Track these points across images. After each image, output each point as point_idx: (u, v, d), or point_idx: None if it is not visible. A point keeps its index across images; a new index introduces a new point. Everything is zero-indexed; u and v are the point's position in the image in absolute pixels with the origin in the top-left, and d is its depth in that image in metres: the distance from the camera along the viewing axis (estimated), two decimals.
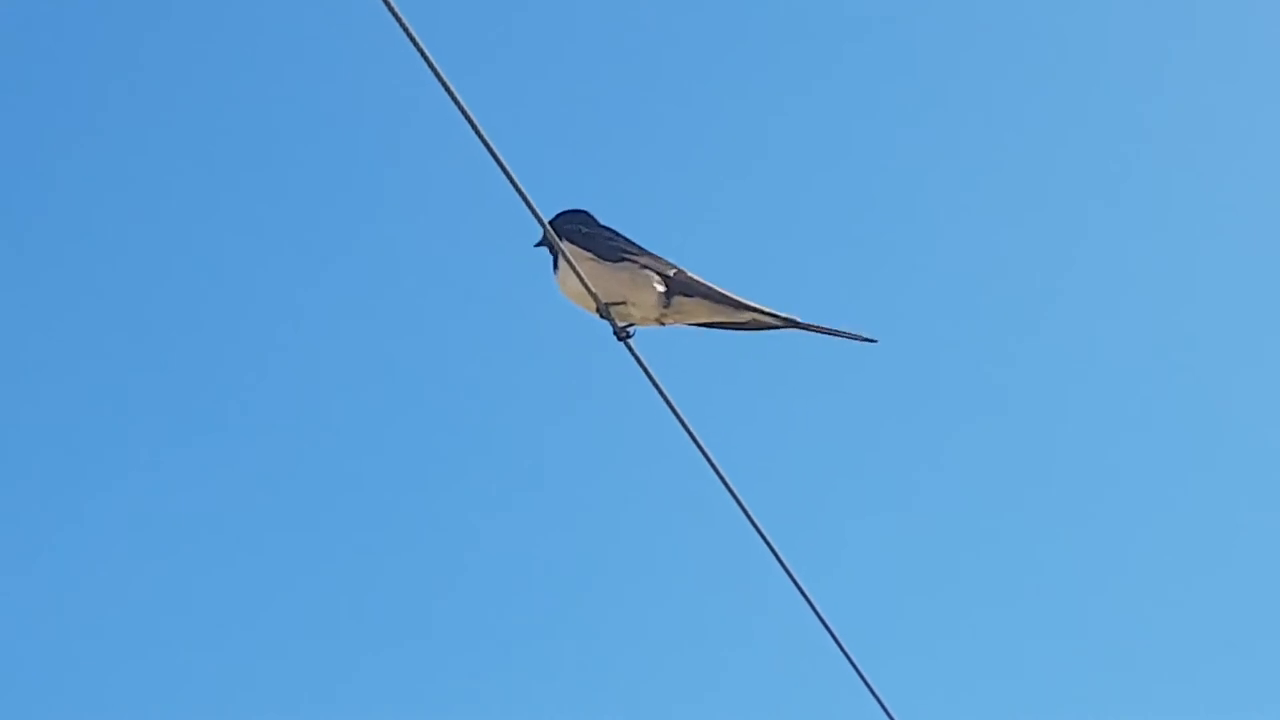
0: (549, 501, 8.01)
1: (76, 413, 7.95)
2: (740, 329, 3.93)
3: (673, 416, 3.44)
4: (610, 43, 8.33)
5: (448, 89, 2.70)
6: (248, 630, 7.77)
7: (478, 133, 2.80)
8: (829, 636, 3.68)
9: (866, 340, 3.89)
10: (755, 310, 3.89)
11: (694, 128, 8.18)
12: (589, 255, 3.80)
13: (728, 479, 3.49)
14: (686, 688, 7.75)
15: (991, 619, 7.95)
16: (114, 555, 7.81)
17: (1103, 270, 8.38)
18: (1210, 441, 8.30)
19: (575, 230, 3.86)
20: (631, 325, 3.72)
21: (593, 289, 3.66)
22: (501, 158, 2.87)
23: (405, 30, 2.62)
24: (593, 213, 3.93)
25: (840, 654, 3.71)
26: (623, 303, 3.76)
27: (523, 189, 2.97)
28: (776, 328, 3.91)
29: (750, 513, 3.53)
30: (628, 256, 3.83)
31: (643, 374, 3.47)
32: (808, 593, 3.63)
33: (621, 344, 3.61)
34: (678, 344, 3.92)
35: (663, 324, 3.85)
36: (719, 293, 3.86)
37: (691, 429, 3.45)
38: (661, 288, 3.82)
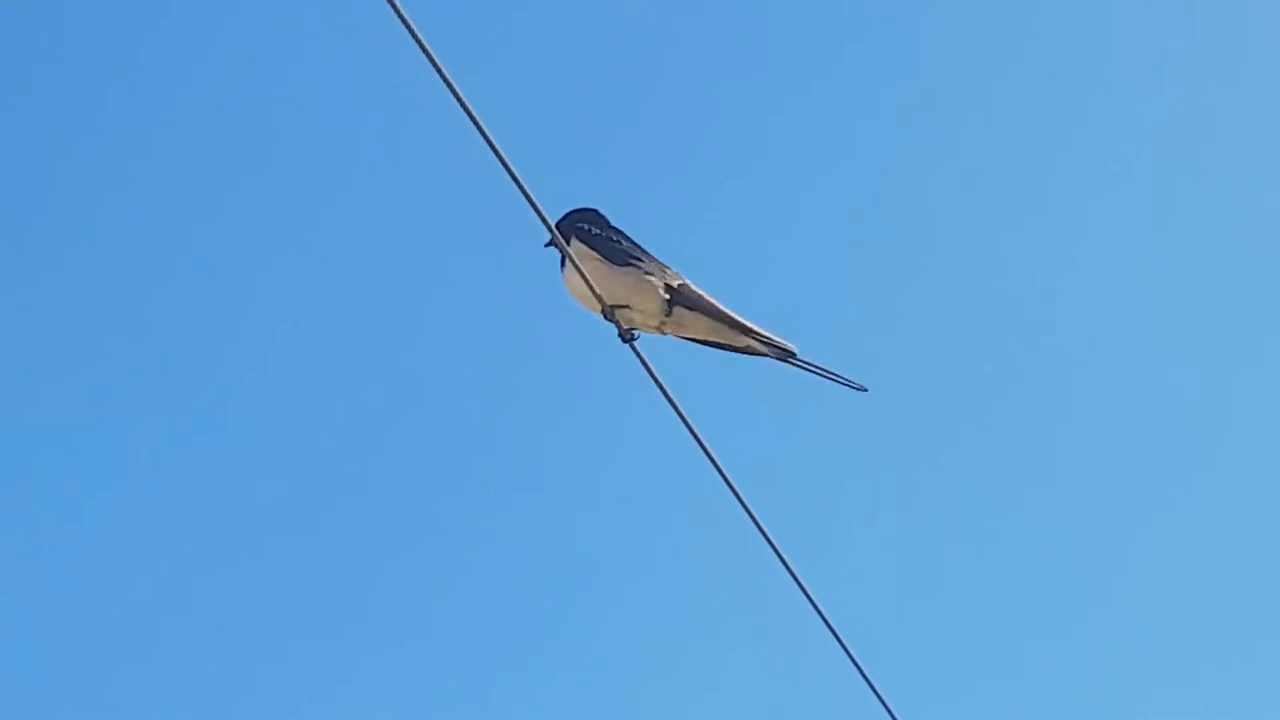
0: (551, 501, 8.01)
1: (76, 413, 7.95)
2: (735, 351, 3.92)
3: (676, 417, 3.44)
4: (612, 43, 8.33)
5: (451, 87, 2.70)
6: (248, 630, 7.77)
7: (482, 132, 2.80)
8: (833, 638, 3.68)
9: (857, 388, 3.87)
10: (753, 336, 3.88)
11: (694, 128, 8.18)
12: (595, 256, 3.80)
13: (731, 480, 3.49)
14: (689, 688, 7.76)
15: (994, 619, 7.95)
16: (114, 555, 7.81)
17: (1103, 270, 8.38)
18: (1212, 441, 8.30)
19: (584, 230, 3.85)
20: (635, 329, 3.72)
21: (597, 290, 3.66)
22: (506, 157, 2.87)
23: (411, 33, 2.62)
24: (603, 212, 3.93)
25: (844, 654, 3.72)
26: (626, 306, 3.75)
27: (527, 189, 2.97)
28: (770, 357, 3.90)
29: (754, 513, 3.53)
30: (634, 261, 3.82)
31: (647, 376, 3.47)
32: (810, 592, 3.63)
33: (626, 346, 3.61)
34: (681, 346, 3.92)
35: (662, 332, 3.84)
36: (721, 311, 3.85)
37: (696, 430, 3.45)
38: (665, 296, 3.81)
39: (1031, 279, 8.24)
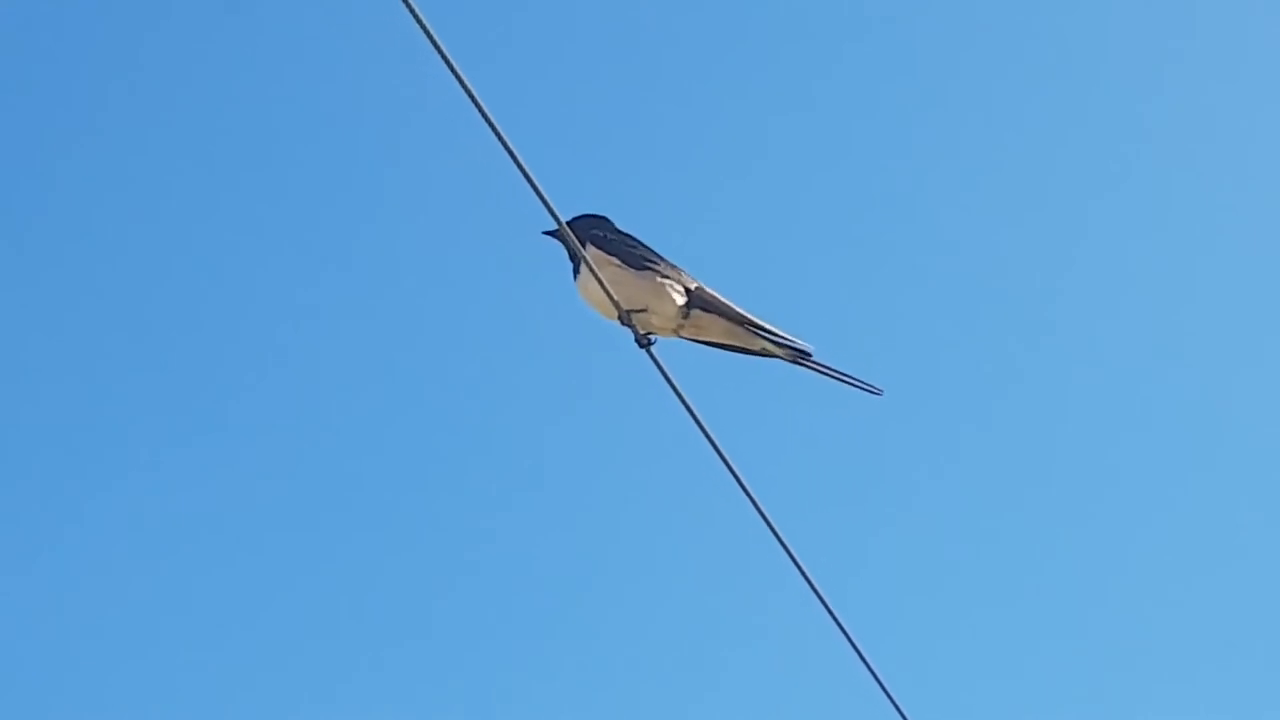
0: (564, 503, 8.01)
1: (76, 413, 7.94)
2: (750, 354, 3.93)
3: (689, 420, 3.44)
4: (619, 44, 8.32)
5: (464, 85, 2.69)
6: (248, 630, 7.77)
7: (496, 132, 2.79)
8: (846, 641, 3.67)
9: (873, 390, 3.87)
10: (768, 337, 3.88)
11: (704, 131, 8.18)
12: (613, 261, 3.80)
13: (746, 483, 3.49)
14: (703, 689, 7.76)
15: (1006, 619, 7.95)
16: (114, 555, 7.80)
17: (1103, 270, 8.38)
18: (1212, 442, 8.31)
19: (598, 235, 3.85)
20: (651, 333, 3.71)
21: (614, 296, 3.65)
22: (521, 159, 2.86)
23: (424, 29, 2.61)
24: (610, 218, 3.93)
25: (857, 657, 3.71)
26: (644, 310, 3.75)
27: (543, 192, 2.96)
28: (785, 360, 3.90)
29: (768, 515, 3.53)
30: (650, 265, 3.82)
31: (658, 379, 3.47)
32: (825, 596, 3.63)
33: (643, 351, 3.61)
34: (694, 349, 3.92)
35: (678, 335, 3.84)
36: (737, 313, 3.86)
37: (710, 433, 3.44)
38: (682, 299, 3.82)
39: (1033, 279, 8.25)
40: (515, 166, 2.85)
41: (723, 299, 3.87)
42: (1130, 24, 8.37)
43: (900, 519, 8.06)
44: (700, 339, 3.89)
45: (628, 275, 3.79)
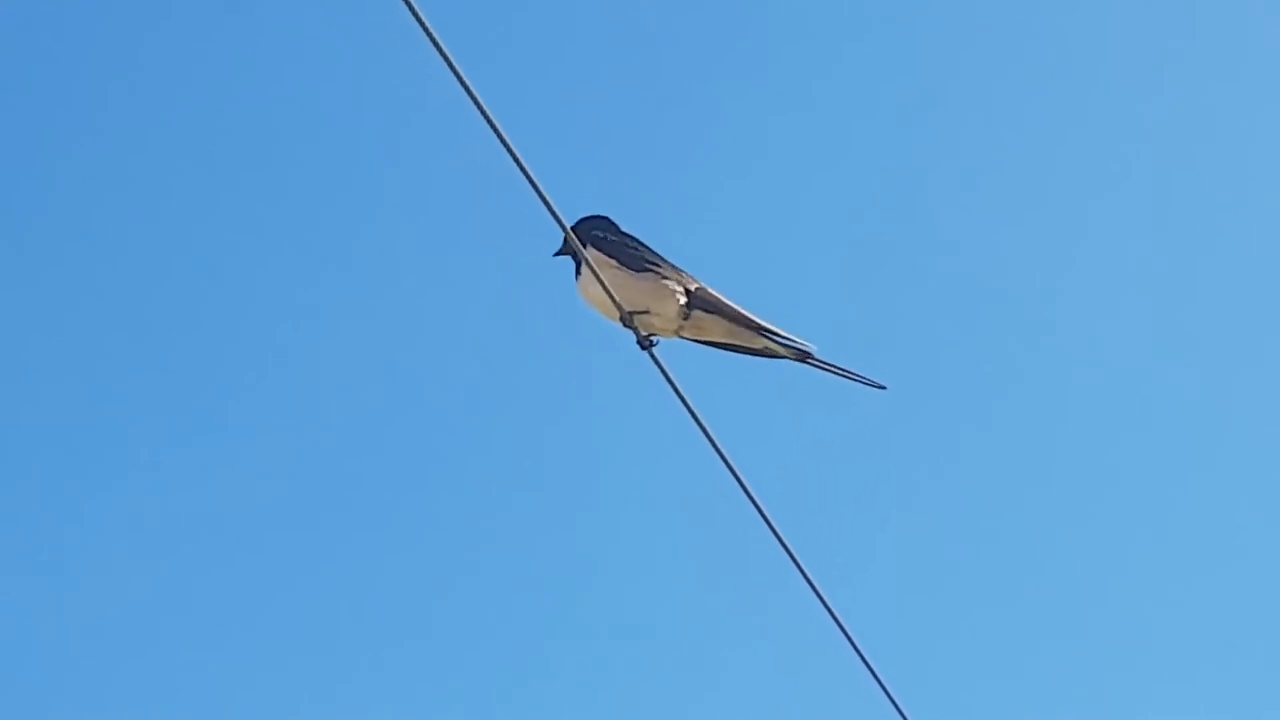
0: (565, 504, 8.01)
1: (76, 413, 7.94)
2: (752, 354, 3.93)
3: (690, 421, 3.43)
4: (620, 44, 8.32)
5: (466, 87, 2.69)
6: (248, 630, 7.77)
7: (499, 135, 2.79)
8: (847, 641, 3.67)
9: (876, 386, 3.87)
10: (770, 336, 3.88)
11: (704, 131, 8.18)
12: (613, 263, 3.80)
13: (747, 484, 3.49)
14: (704, 689, 7.76)
15: (1008, 618, 7.96)
16: (114, 555, 7.80)
17: (1103, 270, 8.38)
18: (1214, 442, 8.31)
19: (599, 237, 3.85)
20: (654, 335, 3.72)
21: (616, 297, 3.66)
22: (524, 162, 2.86)
23: (427, 32, 2.61)
24: (613, 219, 3.93)
25: (858, 658, 3.71)
26: (645, 312, 3.75)
27: (547, 195, 2.96)
28: (788, 359, 3.90)
29: (769, 517, 3.53)
30: (651, 266, 3.83)
31: (659, 379, 3.47)
32: (825, 597, 3.62)
33: (644, 353, 3.61)
34: (695, 349, 3.92)
35: (679, 336, 3.85)
36: (738, 313, 3.86)
37: (711, 434, 3.44)
38: (683, 300, 3.82)
39: (1033, 277, 8.25)
40: (516, 166, 2.85)
41: (724, 299, 3.87)
42: (1130, 24, 8.38)
43: (901, 518, 8.06)
44: (702, 339, 3.89)
45: (628, 277, 3.79)
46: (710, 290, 3.87)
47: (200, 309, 8.01)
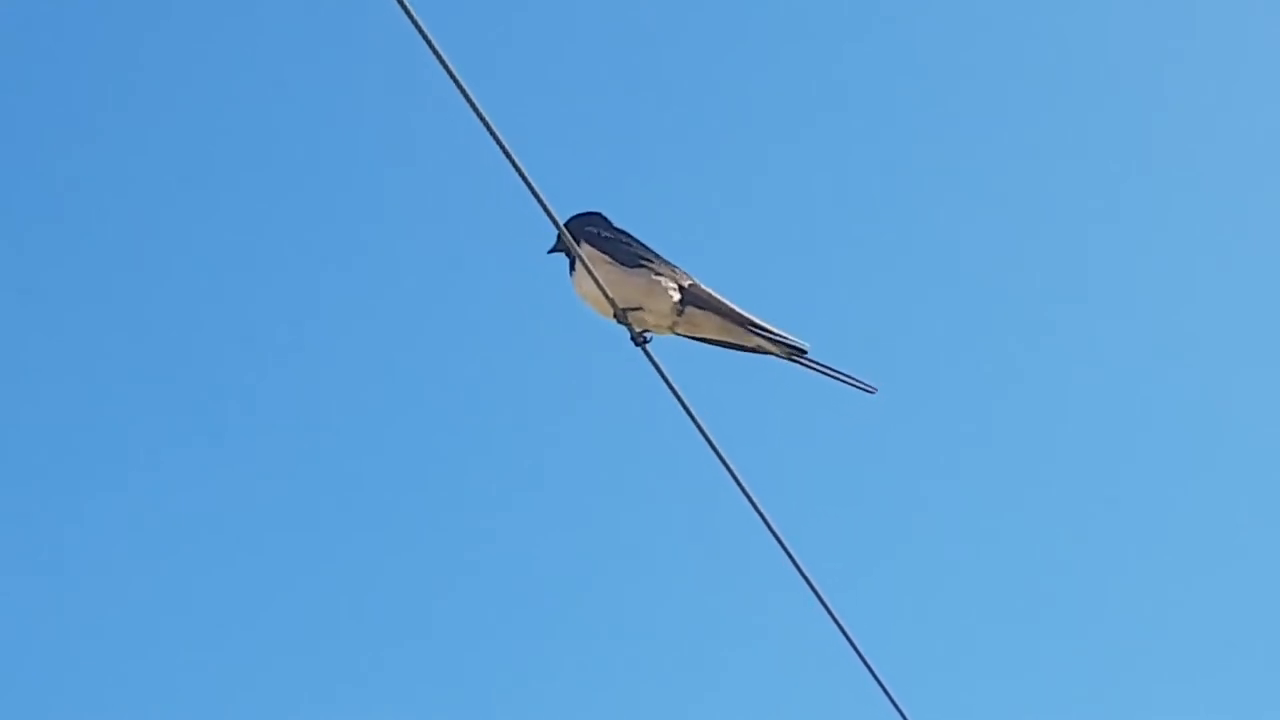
0: (559, 502, 8.01)
1: (77, 413, 7.94)
2: (745, 351, 3.93)
3: (685, 417, 3.44)
4: (616, 42, 8.33)
5: (460, 87, 2.69)
6: (248, 630, 7.77)
7: (494, 134, 2.79)
8: (844, 639, 3.67)
9: (867, 389, 3.87)
10: (763, 334, 3.88)
11: (699, 128, 8.18)
12: (606, 259, 3.80)
13: (742, 480, 3.49)
14: (700, 690, 7.76)
15: (1003, 619, 7.96)
16: (114, 555, 7.80)
17: (1103, 270, 8.38)
18: (1214, 442, 8.31)
19: (593, 233, 3.85)
20: (647, 331, 3.72)
21: (609, 293, 3.66)
22: (519, 161, 2.86)
23: (422, 33, 2.61)
24: (607, 215, 3.93)
25: (855, 655, 3.71)
26: (638, 308, 3.75)
27: (541, 194, 2.96)
28: (780, 357, 3.90)
29: (764, 513, 3.53)
30: (644, 262, 3.83)
31: (653, 376, 3.47)
32: (822, 593, 3.62)
33: (639, 349, 3.62)
34: (689, 346, 3.92)
35: (673, 333, 3.85)
36: (731, 310, 3.86)
37: (706, 430, 3.44)
38: (676, 296, 3.82)
39: (1032, 278, 8.24)
40: (509, 163, 2.85)
41: (717, 296, 3.87)
42: (1130, 25, 8.38)
43: (897, 517, 8.06)
44: (695, 336, 3.89)
45: (622, 273, 3.79)
46: (703, 287, 3.87)
47: (199, 309, 8.02)
